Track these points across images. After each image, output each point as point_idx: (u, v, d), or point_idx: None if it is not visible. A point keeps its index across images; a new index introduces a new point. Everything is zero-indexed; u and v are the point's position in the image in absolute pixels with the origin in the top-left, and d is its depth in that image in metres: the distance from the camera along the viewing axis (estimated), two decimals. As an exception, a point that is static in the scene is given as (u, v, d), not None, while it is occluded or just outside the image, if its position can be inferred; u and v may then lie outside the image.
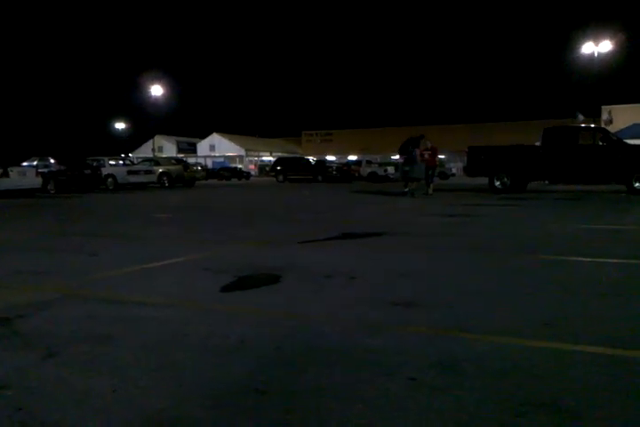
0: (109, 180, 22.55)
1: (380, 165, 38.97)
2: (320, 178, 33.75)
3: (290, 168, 35.91)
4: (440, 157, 49.25)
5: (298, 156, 51.55)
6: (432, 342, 2.70)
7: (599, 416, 1.90)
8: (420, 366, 2.36)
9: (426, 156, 16.49)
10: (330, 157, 61.01)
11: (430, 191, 16.49)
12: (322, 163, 38.27)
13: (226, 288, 3.93)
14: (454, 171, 48.01)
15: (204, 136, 74.56)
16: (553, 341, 2.69)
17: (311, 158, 40.31)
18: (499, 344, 2.66)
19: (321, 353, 2.55)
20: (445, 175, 43.48)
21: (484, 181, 18.50)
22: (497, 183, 17.53)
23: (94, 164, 22.60)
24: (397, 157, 17.37)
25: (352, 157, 54.87)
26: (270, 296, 3.73)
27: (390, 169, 35.70)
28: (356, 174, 36.55)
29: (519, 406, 1.97)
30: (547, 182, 18.47)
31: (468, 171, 19.04)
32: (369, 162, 40.40)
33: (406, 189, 15.89)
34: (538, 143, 18.24)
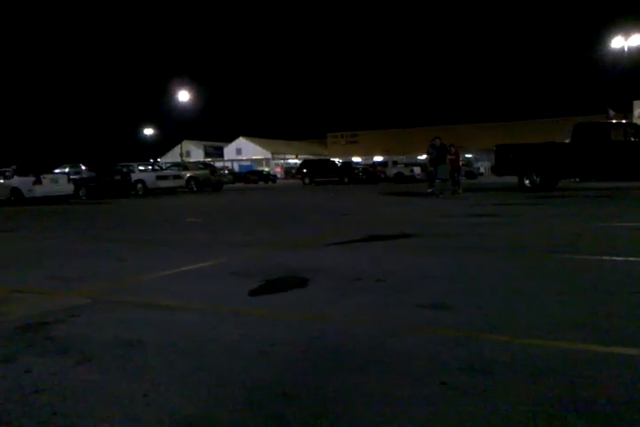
0: (139, 185, 22.95)
1: (407, 165, 38.72)
2: (346, 179, 33.72)
3: (316, 170, 35.95)
4: (467, 156, 48.68)
5: (323, 158, 51.56)
6: (462, 344, 2.67)
7: (636, 420, 1.85)
8: (451, 369, 2.33)
9: (449, 158, 16.99)
10: (356, 159, 60.89)
11: (460, 191, 17.37)
12: (348, 164, 38.19)
13: (254, 292, 3.95)
14: (482, 170, 47.39)
15: (230, 140, 75.25)
16: (586, 342, 2.63)
17: (337, 160, 40.28)
18: (531, 346, 2.61)
19: (350, 357, 2.54)
20: (473, 175, 42.98)
21: (512, 179, 18.23)
22: (526, 182, 17.24)
23: (124, 170, 23.02)
24: (423, 157, 18.00)
25: (378, 158, 54.69)
26: (299, 300, 3.73)
27: (416, 169, 35.45)
28: (382, 175, 36.40)
29: (553, 409, 1.93)
30: (577, 180, 18.10)
31: (495, 170, 18.75)
32: (395, 162, 40.20)
33: (430, 190, 16.12)
34: (567, 140, 17.91)
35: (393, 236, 6.98)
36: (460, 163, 19.60)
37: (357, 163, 48.16)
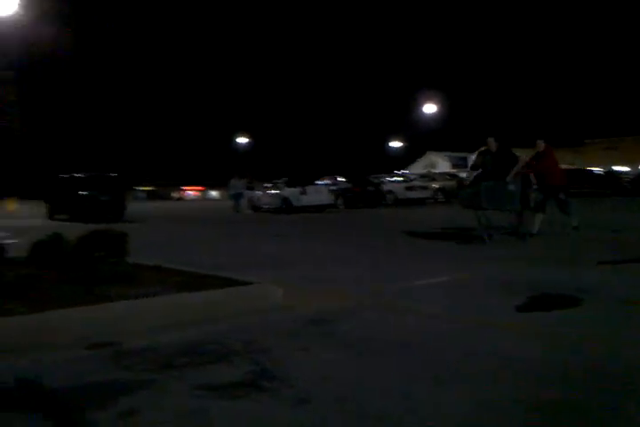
0: (389, 196, 24.05)
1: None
2: (609, 191, 30.25)
3: (573, 180, 33.06)
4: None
5: (580, 167, 47.05)
6: None
7: None
8: None
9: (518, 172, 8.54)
10: (617, 168, 54.23)
11: (575, 223, 8.77)
12: (611, 174, 34.23)
13: (520, 308, 3.87)
14: None
15: (473, 150, 73.85)
16: None
17: (597, 169, 36.46)
18: None
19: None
20: None
21: None
22: None
23: (376, 181, 24.40)
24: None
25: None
26: (571, 319, 3.55)
27: None
28: (657, 186, 31.65)
29: None
30: None
31: None
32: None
33: (478, 232, 8.27)
34: None
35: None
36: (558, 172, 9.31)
37: (619, 172, 42.71)
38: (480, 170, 8.91)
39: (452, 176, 31.21)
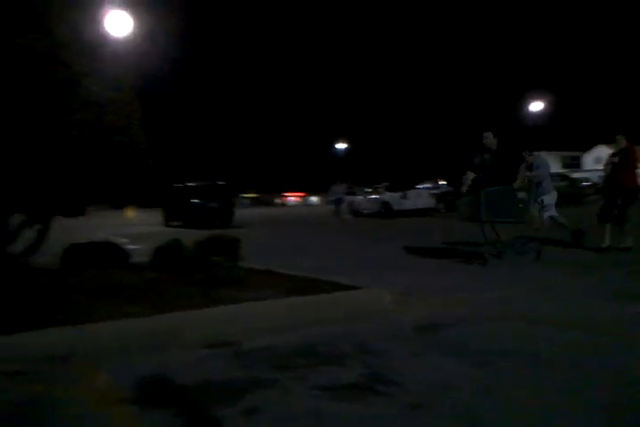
0: (493, 199, 23.24)
1: None
2: None
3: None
4: None
5: None
6: None
7: None
8: None
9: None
10: None
11: (630, 243, 7.33)
12: None
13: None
14: None
15: (586, 149, 69.56)
16: None
17: None
18: None
19: None
20: None
21: None
22: None
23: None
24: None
25: None
26: None
27: None
28: None
29: None
30: None
31: None
32: None
33: (483, 250, 6.86)
34: None
35: None
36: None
37: None
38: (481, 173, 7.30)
39: (563, 177, 29.55)
